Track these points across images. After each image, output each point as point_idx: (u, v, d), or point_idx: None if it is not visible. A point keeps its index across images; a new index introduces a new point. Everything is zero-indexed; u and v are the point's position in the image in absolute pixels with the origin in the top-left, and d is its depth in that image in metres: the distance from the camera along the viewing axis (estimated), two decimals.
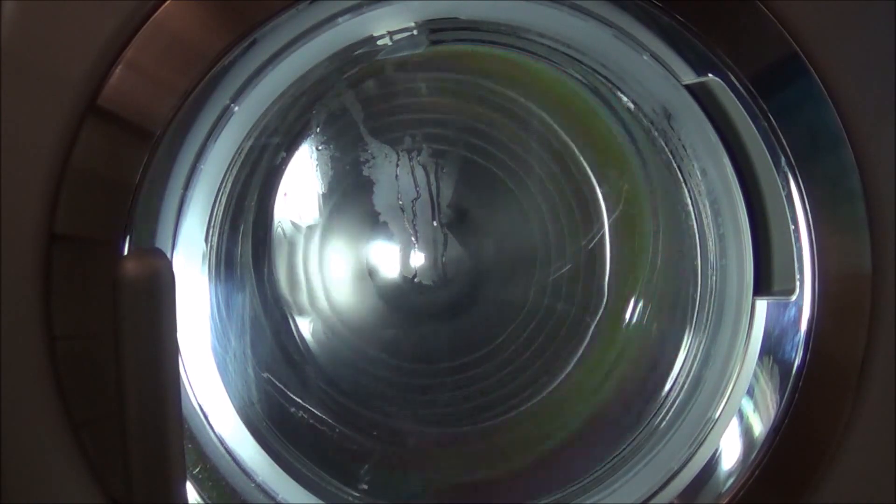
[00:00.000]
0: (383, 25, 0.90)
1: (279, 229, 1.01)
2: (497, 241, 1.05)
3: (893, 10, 0.80)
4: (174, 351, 0.68)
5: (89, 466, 0.76)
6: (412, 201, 1.02)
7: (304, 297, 1.04)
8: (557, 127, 1.02)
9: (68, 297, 0.74)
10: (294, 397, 1.00)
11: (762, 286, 0.89)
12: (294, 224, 1.02)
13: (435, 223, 1.02)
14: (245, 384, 0.97)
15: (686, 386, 0.97)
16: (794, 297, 0.83)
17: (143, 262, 0.67)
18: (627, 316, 1.04)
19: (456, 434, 1.05)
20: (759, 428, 0.85)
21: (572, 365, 1.04)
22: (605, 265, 1.04)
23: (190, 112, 0.77)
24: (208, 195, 0.90)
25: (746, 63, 0.80)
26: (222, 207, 0.93)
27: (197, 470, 0.85)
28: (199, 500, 0.83)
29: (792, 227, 0.83)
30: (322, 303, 1.04)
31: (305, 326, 1.03)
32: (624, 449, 0.97)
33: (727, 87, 0.82)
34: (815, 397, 0.82)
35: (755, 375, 0.88)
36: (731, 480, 0.85)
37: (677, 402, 0.97)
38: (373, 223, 1.02)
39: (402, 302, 1.04)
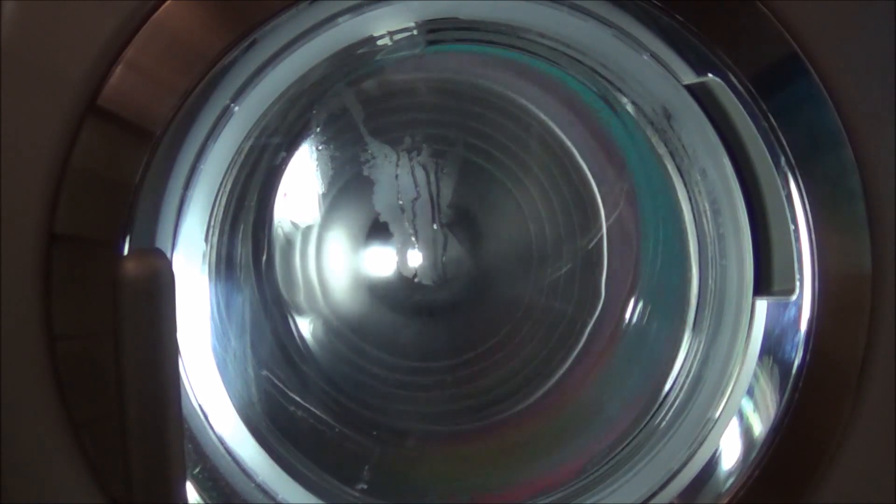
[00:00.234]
0: (383, 25, 0.90)
1: (279, 229, 1.01)
2: (497, 241, 1.05)
3: (893, 10, 0.80)
4: (174, 351, 0.68)
5: (89, 466, 0.75)
6: (412, 201, 1.02)
7: (303, 297, 1.04)
8: (557, 127, 1.03)
9: (68, 296, 0.74)
10: (294, 397, 1.00)
11: (762, 286, 0.89)
12: (294, 224, 1.02)
13: (435, 223, 1.02)
14: (245, 384, 0.96)
15: (686, 386, 0.97)
16: (794, 297, 0.83)
17: (143, 262, 0.67)
18: (627, 316, 1.04)
19: (456, 433, 1.05)
20: (759, 428, 0.85)
21: (571, 364, 1.04)
22: (602, 265, 1.04)
23: (190, 112, 0.77)
24: (208, 195, 0.90)
25: (746, 63, 0.80)
26: (222, 207, 0.93)
27: (197, 470, 0.85)
28: (199, 500, 0.83)
29: (792, 226, 0.83)
30: (322, 302, 1.04)
31: (305, 326, 1.03)
32: (624, 449, 0.97)
33: (727, 88, 0.82)
34: (815, 397, 0.82)
35: (755, 375, 0.88)
36: (731, 480, 0.85)
37: (677, 402, 0.96)
38: (373, 223, 1.02)
39: (401, 302, 1.04)
